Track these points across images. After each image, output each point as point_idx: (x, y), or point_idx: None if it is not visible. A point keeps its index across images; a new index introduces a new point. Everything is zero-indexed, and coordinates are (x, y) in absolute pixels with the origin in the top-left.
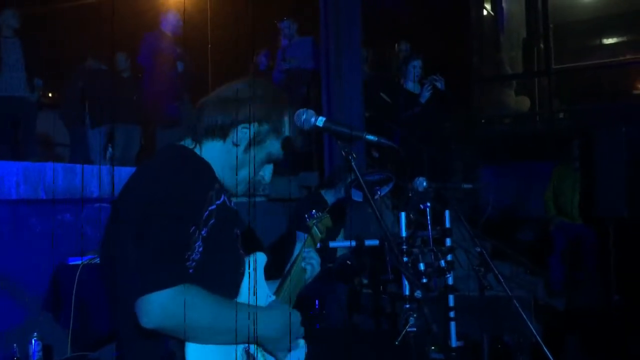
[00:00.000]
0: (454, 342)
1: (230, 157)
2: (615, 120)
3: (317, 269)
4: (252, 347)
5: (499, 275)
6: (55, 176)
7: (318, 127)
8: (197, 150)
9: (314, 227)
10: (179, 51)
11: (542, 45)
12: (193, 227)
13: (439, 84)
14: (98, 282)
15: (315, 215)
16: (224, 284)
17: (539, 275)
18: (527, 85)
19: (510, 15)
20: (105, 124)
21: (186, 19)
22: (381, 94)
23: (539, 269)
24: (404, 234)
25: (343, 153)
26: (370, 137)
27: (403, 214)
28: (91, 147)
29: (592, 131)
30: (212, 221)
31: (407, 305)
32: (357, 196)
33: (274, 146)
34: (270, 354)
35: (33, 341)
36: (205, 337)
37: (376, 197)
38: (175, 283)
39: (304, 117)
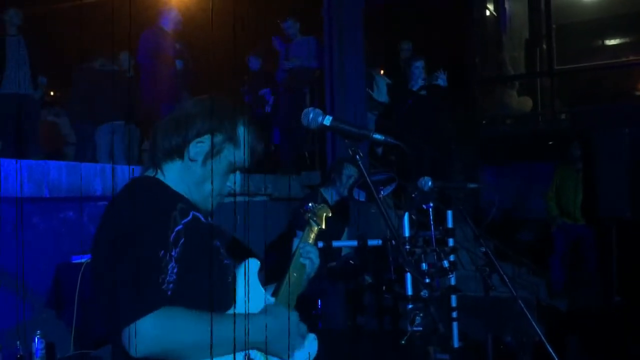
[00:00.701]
0: (456, 343)
1: (192, 174)
2: (618, 121)
3: (317, 262)
4: (252, 352)
5: (504, 276)
6: (58, 174)
7: (325, 126)
8: (159, 176)
9: (311, 219)
10: (178, 48)
11: (544, 46)
12: (162, 251)
13: (441, 81)
14: None
15: (311, 207)
16: (214, 297)
17: (540, 276)
18: (529, 86)
19: (512, 15)
20: (109, 123)
21: (188, 17)
22: (367, 89)
23: (541, 270)
24: (406, 234)
25: (350, 152)
26: (378, 136)
27: (406, 214)
28: (98, 146)
29: (595, 132)
30: (182, 240)
31: (411, 305)
32: (360, 196)
33: (233, 155)
34: (274, 355)
35: (36, 339)
36: (198, 355)
37: (379, 197)
38: (152, 308)
39: (311, 116)
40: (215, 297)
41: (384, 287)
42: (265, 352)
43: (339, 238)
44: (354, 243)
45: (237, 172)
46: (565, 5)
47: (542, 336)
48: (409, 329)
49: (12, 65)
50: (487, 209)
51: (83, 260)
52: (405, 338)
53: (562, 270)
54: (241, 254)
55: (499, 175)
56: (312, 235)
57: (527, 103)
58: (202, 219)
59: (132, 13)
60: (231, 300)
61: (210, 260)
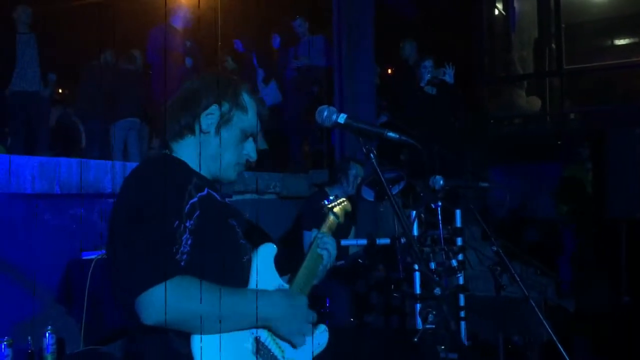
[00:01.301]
0: (464, 342)
1: (206, 147)
2: (628, 121)
3: (334, 254)
4: (263, 335)
5: (516, 275)
6: (69, 171)
7: (339, 124)
8: (174, 155)
9: (331, 212)
10: (188, 46)
11: (553, 45)
12: (177, 222)
13: (447, 77)
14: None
15: (332, 200)
16: (226, 273)
17: (549, 276)
18: (538, 86)
19: (521, 14)
20: (121, 120)
21: (198, 16)
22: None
23: (549, 270)
24: (415, 232)
25: (364, 150)
26: (392, 135)
27: (414, 213)
28: (110, 143)
29: (604, 132)
30: (196, 213)
31: (419, 304)
32: (367, 194)
33: (244, 121)
34: (283, 339)
35: (47, 334)
36: (208, 326)
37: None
38: (167, 277)
39: (325, 114)
40: (229, 274)
41: (392, 286)
42: (274, 330)
43: (346, 237)
44: (363, 242)
45: (251, 139)
46: (575, 5)
47: (553, 336)
48: (421, 326)
49: (23, 63)
50: (496, 209)
51: (93, 257)
52: (417, 336)
53: (570, 270)
54: (258, 238)
55: (507, 175)
56: (331, 229)
57: (535, 103)
58: (218, 197)
59: (142, 11)
60: (246, 280)
61: (224, 237)
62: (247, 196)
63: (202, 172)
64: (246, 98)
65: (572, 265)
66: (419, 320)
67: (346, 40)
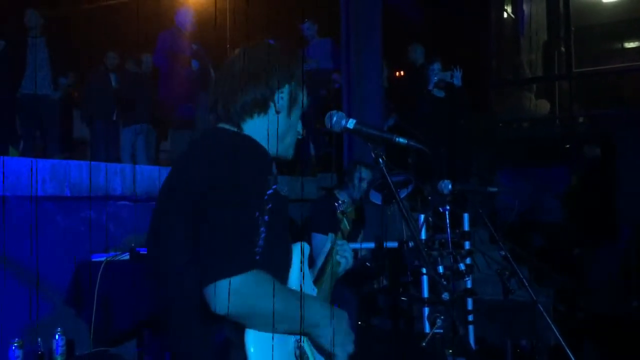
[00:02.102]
0: (472, 346)
1: (274, 127)
2: (636, 124)
3: (351, 261)
4: (305, 341)
5: (524, 279)
6: (79, 173)
7: (348, 129)
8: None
9: (345, 217)
10: (194, 48)
11: (563, 49)
12: (257, 213)
13: (455, 80)
14: (121, 278)
15: (341, 205)
16: (278, 271)
17: (557, 280)
18: (547, 89)
19: (531, 17)
20: (131, 124)
21: (206, 18)
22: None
23: (558, 274)
24: (422, 236)
25: (373, 155)
26: (401, 140)
27: (422, 217)
28: (122, 146)
29: (614, 136)
30: (269, 206)
31: (427, 308)
32: (375, 198)
33: (302, 98)
34: (323, 349)
35: (57, 336)
36: (271, 325)
37: (400, 198)
38: (247, 269)
39: (334, 119)
40: (280, 271)
41: (400, 289)
42: (316, 338)
43: (354, 240)
44: (371, 245)
45: (300, 121)
46: (584, 8)
47: (561, 340)
48: (429, 330)
49: (33, 66)
50: (504, 213)
51: (103, 259)
52: (425, 340)
53: (579, 274)
54: (294, 234)
55: (515, 178)
56: (344, 235)
57: (544, 106)
58: (280, 190)
59: (148, 15)
60: (286, 278)
61: (285, 233)
62: None
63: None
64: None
65: (580, 268)
66: (426, 324)
67: (354, 43)
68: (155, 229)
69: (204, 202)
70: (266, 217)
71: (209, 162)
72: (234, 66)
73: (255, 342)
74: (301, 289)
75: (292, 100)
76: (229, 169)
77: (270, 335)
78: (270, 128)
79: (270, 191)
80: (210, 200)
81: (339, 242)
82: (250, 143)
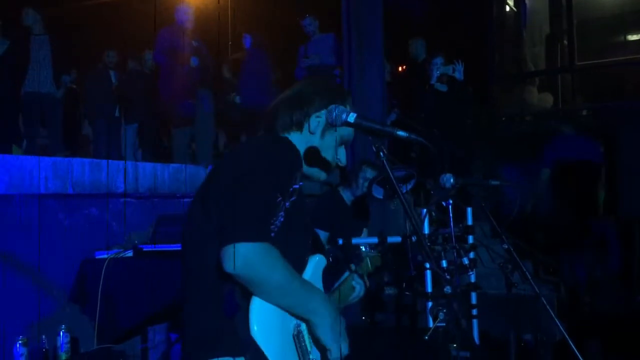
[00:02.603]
0: (476, 340)
1: (309, 146)
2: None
3: (362, 293)
4: (303, 325)
5: (527, 273)
6: (82, 171)
7: (349, 123)
8: None
9: (368, 260)
10: (194, 46)
11: (565, 42)
12: (280, 198)
13: (457, 73)
14: (124, 276)
15: (368, 251)
16: (289, 262)
17: (561, 274)
18: (550, 82)
19: (533, 11)
20: (134, 122)
21: (207, 15)
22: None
23: (562, 269)
24: (426, 231)
25: (374, 149)
26: (402, 134)
27: (424, 211)
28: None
29: (617, 129)
30: (293, 198)
31: (431, 302)
32: (377, 193)
33: (344, 129)
34: (318, 341)
35: (61, 333)
36: (274, 296)
37: (402, 193)
38: (261, 239)
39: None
40: (294, 264)
41: (403, 284)
42: (314, 327)
43: (358, 236)
44: (374, 240)
45: (343, 147)
46: (587, 1)
47: (565, 334)
48: (432, 324)
49: (36, 64)
50: (507, 207)
51: (106, 256)
52: (428, 334)
53: (584, 269)
54: (315, 246)
55: (518, 172)
56: (364, 273)
57: (547, 99)
58: (303, 191)
59: (150, 12)
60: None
61: (302, 230)
62: None
63: None
64: (349, 108)
65: (585, 263)
66: (430, 319)
67: (355, 39)
68: (192, 212)
69: (237, 180)
70: (287, 204)
71: (247, 152)
72: (285, 91)
73: (259, 313)
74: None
75: (329, 125)
76: (263, 156)
77: (272, 309)
78: (303, 145)
79: (296, 186)
80: (241, 178)
81: (356, 273)
82: (286, 142)
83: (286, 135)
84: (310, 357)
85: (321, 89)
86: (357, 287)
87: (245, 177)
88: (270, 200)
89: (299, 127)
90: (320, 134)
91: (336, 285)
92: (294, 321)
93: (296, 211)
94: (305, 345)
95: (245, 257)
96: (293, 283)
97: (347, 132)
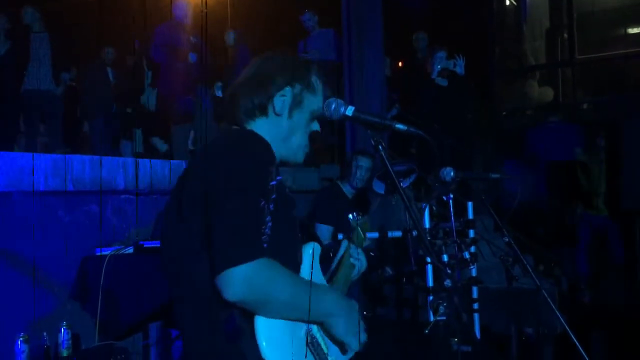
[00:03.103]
0: (478, 334)
1: (279, 129)
2: None
3: (365, 265)
4: (314, 329)
5: (528, 266)
6: (82, 168)
7: (347, 116)
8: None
9: (359, 228)
10: (193, 42)
11: (565, 35)
12: (263, 201)
13: (458, 68)
14: (125, 272)
15: (357, 217)
16: (285, 263)
17: (563, 268)
18: (550, 76)
19: (533, 5)
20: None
21: (207, 11)
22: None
23: (563, 262)
24: (426, 225)
25: (372, 142)
26: (400, 126)
27: (426, 206)
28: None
29: (618, 122)
30: (273, 196)
31: (431, 297)
32: (378, 187)
33: (313, 103)
34: (336, 339)
35: (62, 330)
36: (282, 312)
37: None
38: (257, 256)
39: (333, 106)
40: (288, 264)
41: (404, 279)
42: (329, 328)
43: None
44: (374, 235)
45: (316, 121)
46: None
47: (567, 327)
48: (433, 318)
49: (36, 62)
50: (508, 201)
51: (107, 253)
52: (428, 327)
53: (585, 263)
54: (306, 235)
55: (520, 166)
56: (359, 244)
57: (548, 93)
58: (283, 184)
59: (149, 8)
60: (295, 272)
61: (290, 227)
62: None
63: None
64: (315, 79)
65: (587, 257)
66: (431, 313)
67: (355, 33)
68: (168, 221)
69: (213, 193)
70: (271, 206)
71: (216, 156)
72: (241, 75)
73: (266, 330)
74: (311, 282)
75: (295, 103)
76: (234, 160)
77: (280, 322)
78: (275, 130)
79: (273, 182)
80: (218, 190)
81: (352, 246)
82: (253, 137)
83: (251, 122)
84: (329, 359)
85: (281, 64)
86: (357, 263)
87: (222, 188)
88: (256, 208)
89: (264, 111)
90: (288, 114)
91: (334, 264)
92: (303, 328)
93: (280, 208)
94: (322, 349)
95: (245, 280)
96: (300, 293)
97: (317, 105)
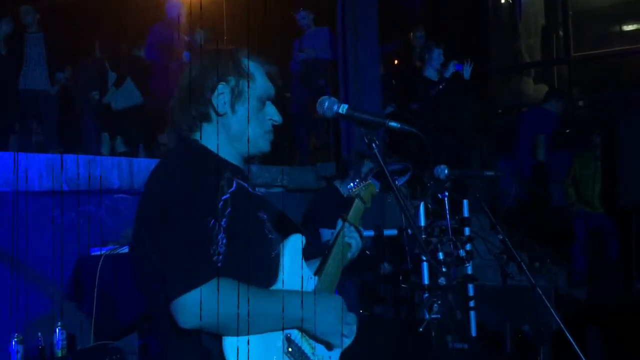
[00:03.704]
0: (473, 332)
1: (228, 129)
2: (636, 108)
3: (361, 243)
4: (294, 334)
5: (522, 264)
6: (76, 168)
7: (340, 114)
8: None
9: (358, 196)
10: (187, 41)
11: (561, 33)
12: (212, 221)
13: (465, 73)
14: (120, 272)
15: (357, 185)
16: (257, 271)
17: (559, 265)
18: (546, 74)
19: (528, 2)
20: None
21: (201, 10)
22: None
23: (559, 259)
24: (422, 223)
25: (366, 140)
26: (393, 124)
27: (421, 204)
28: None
29: (614, 120)
30: (228, 210)
31: (426, 294)
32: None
33: (255, 89)
34: (317, 339)
35: (57, 330)
36: (244, 328)
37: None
38: (205, 280)
39: (326, 104)
40: (259, 272)
41: (400, 277)
42: (306, 331)
43: None
44: (370, 233)
45: (269, 103)
46: None
47: (561, 324)
48: (427, 316)
49: (30, 61)
50: (503, 198)
51: (102, 253)
52: (423, 326)
53: (581, 259)
54: (287, 228)
55: (516, 163)
56: (358, 215)
57: (543, 91)
58: (250, 189)
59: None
60: (274, 275)
61: (254, 233)
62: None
63: (230, 158)
64: (249, 64)
65: (583, 254)
66: (425, 311)
67: (351, 32)
68: (133, 238)
69: (158, 218)
70: (223, 223)
71: (160, 179)
72: (175, 94)
73: (233, 349)
74: (289, 287)
75: (235, 96)
76: (175, 184)
77: (251, 338)
78: (225, 130)
79: (225, 196)
80: (162, 216)
81: (347, 226)
82: (196, 153)
83: (197, 132)
84: (316, 353)
85: (205, 66)
86: (353, 242)
87: (166, 213)
88: (201, 231)
89: (207, 118)
90: (231, 110)
91: (330, 244)
92: (279, 337)
93: (238, 220)
94: (304, 352)
95: (195, 306)
96: (263, 305)
97: (261, 88)
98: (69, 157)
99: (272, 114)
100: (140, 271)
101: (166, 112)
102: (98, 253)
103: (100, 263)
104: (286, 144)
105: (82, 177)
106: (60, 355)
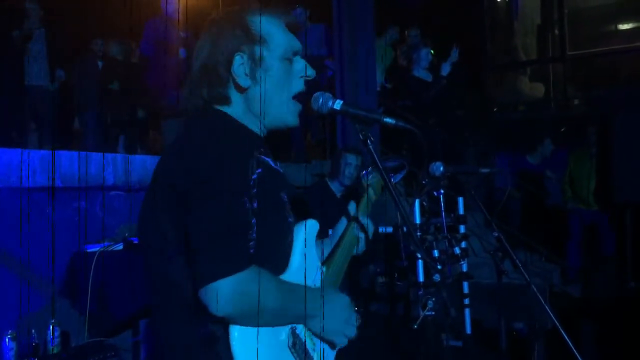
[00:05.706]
0: (468, 329)
1: (253, 102)
2: (632, 106)
3: (371, 237)
4: (299, 328)
5: (517, 261)
6: (71, 164)
7: (335, 110)
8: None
9: (370, 187)
10: (183, 37)
11: (556, 31)
12: (246, 201)
13: (453, 57)
14: (115, 269)
15: (369, 173)
16: (275, 257)
17: (554, 262)
18: (541, 72)
19: (524, 1)
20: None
21: (196, 6)
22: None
23: (555, 256)
24: (417, 220)
25: (361, 136)
26: (389, 120)
27: (417, 201)
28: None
29: (609, 117)
30: (254, 190)
31: (421, 291)
32: None
33: (275, 49)
34: (321, 337)
35: (51, 327)
36: (269, 322)
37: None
38: (245, 266)
39: (320, 100)
40: (275, 258)
41: (395, 274)
42: (310, 328)
43: None
44: (389, 230)
45: (296, 58)
46: None
47: (556, 322)
48: (421, 313)
49: (30, 58)
50: (498, 195)
51: (96, 249)
52: (417, 323)
53: (576, 256)
54: (300, 212)
55: (512, 161)
56: (369, 207)
57: (539, 89)
58: (272, 163)
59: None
60: (285, 263)
61: (277, 217)
62: None
63: (257, 130)
64: (261, 22)
65: (578, 251)
66: (420, 308)
67: (347, 29)
68: (143, 222)
69: (190, 195)
70: (255, 204)
71: (188, 151)
72: (192, 65)
73: (241, 338)
74: (303, 275)
75: (255, 65)
76: (212, 158)
77: (258, 329)
78: (248, 106)
79: (254, 176)
80: (195, 193)
81: (360, 216)
82: (225, 125)
83: (219, 107)
84: (316, 349)
85: (213, 42)
86: (362, 235)
87: (199, 190)
88: (239, 212)
89: (228, 99)
90: (253, 81)
91: (334, 242)
92: (284, 331)
93: (265, 202)
94: (306, 349)
95: (233, 294)
96: (288, 301)
97: (284, 46)
98: (63, 154)
99: (302, 69)
100: (151, 262)
101: (161, 108)
102: (93, 250)
103: (95, 260)
104: (281, 141)
105: (77, 173)
106: (54, 352)
